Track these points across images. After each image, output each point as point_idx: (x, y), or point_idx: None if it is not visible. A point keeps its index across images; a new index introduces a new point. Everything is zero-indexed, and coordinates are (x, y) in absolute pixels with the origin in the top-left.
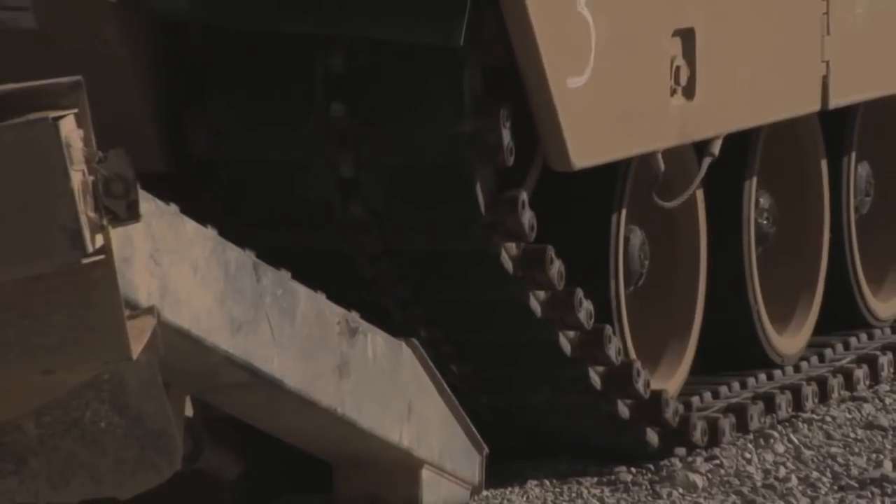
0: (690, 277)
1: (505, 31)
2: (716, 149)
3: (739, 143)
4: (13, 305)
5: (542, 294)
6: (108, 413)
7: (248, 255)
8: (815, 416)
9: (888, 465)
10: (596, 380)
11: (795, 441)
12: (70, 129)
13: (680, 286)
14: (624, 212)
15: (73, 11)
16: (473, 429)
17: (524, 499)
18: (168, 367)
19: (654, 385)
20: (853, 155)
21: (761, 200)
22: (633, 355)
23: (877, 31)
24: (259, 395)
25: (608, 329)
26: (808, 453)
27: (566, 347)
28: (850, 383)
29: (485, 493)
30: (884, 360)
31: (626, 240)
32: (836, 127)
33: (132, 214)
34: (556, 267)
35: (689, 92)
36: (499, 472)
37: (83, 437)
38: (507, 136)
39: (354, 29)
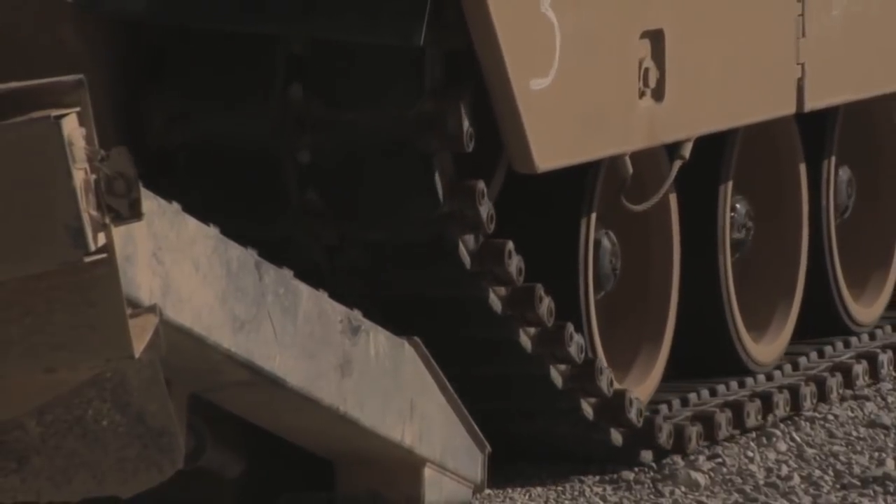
0: (663, 283)
1: (470, 120)
2: (686, 152)
3: (715, 146)
4: (15, 303)
5: (531, 329)
6: (110, 411)
7: (251, 254)
8: (817, 414)
9: (890, 463)
10: (588, 411)
11: (798, 439)
12: (72, 127)
13: (653, 291)
14: (594, 215)
15: (30, 11)
16: (476, 427)
17: (526, 497)
18: (170, 365)
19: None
20: (833, 159)
21: (738, 206)
22: (602, 358)
23: (854, 33)
24: (261, 394)
25: (599, 362)
26: (810, 452)
27: (557, 381)
28: (848, 380)
29: (487, 491)
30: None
31: (597, 243)
32: (816, 130)
33: (134, 213)
34: (546, 304)
35: (658, 94)
36: (501, 470)
37: (85, 435)
38: (485, 210)
39: (314, 29)
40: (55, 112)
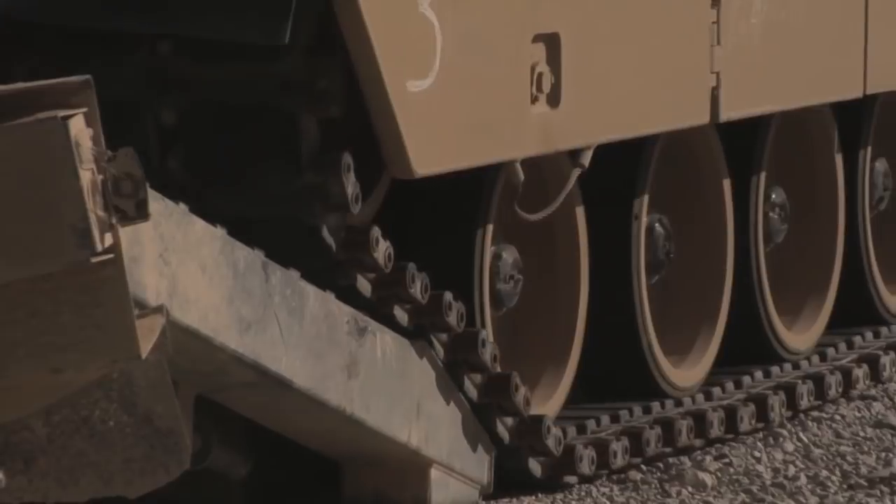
0: (569, 300)
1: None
2: (585, 160)
3: (630, 158)
4: (22, 304)
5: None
6: (116, 412)
7: (257, 255)
8: (824, 414)
9: None
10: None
11: (805, 440)
12: (79, 127)
13: (560, 309)
14: (490, 226)
15: None
16: (482, 429)
17: (533, 497)
18: (177, 366)
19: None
20: (763, 176)
21: (657, 223)
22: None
23: (775, 41)
24: (267, 395)
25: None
26: (817, 452)
27: (505, 436)
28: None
29: (493, 491)
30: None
31: (497, 257)
32: (745, 145)
33: (141, 213)
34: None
35: (553, 100)
36: (507, 470)
37: (92, 435)
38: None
39: (179, 27)
40: (62, 112)
